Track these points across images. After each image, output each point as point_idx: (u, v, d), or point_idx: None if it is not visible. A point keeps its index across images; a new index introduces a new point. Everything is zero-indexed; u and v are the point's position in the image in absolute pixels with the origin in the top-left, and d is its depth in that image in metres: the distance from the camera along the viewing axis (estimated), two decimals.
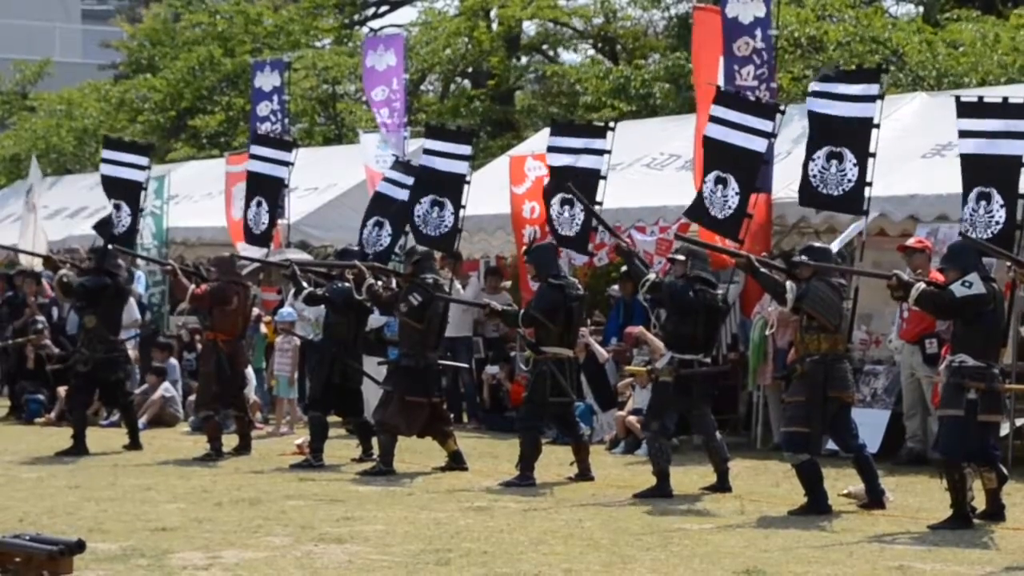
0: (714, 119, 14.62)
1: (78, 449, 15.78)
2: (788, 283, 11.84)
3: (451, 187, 16.63)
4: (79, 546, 6.13)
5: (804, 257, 11.89)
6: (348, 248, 16.44)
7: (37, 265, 20.58)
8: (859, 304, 14.08)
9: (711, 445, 12.92)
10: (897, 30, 23.50)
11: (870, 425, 14.22)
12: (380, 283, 14.85)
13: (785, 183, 16.10)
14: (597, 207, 15.10)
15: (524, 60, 34.43)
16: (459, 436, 15.02)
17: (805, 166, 14.29)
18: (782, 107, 15.24)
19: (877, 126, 14.01)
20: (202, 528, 10.86)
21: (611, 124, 16.21)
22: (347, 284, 15.11)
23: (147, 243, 21.68)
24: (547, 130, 17.55)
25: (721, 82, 15.91)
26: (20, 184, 29.70)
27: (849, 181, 14.05)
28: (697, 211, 14.80)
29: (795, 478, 11.82)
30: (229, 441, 15.84)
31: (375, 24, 37.49)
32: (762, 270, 12.09)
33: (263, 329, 18.95)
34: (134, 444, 16.17)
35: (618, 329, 17.33)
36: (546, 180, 16.34)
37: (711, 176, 14.62)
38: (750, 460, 14.68)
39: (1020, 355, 13.95)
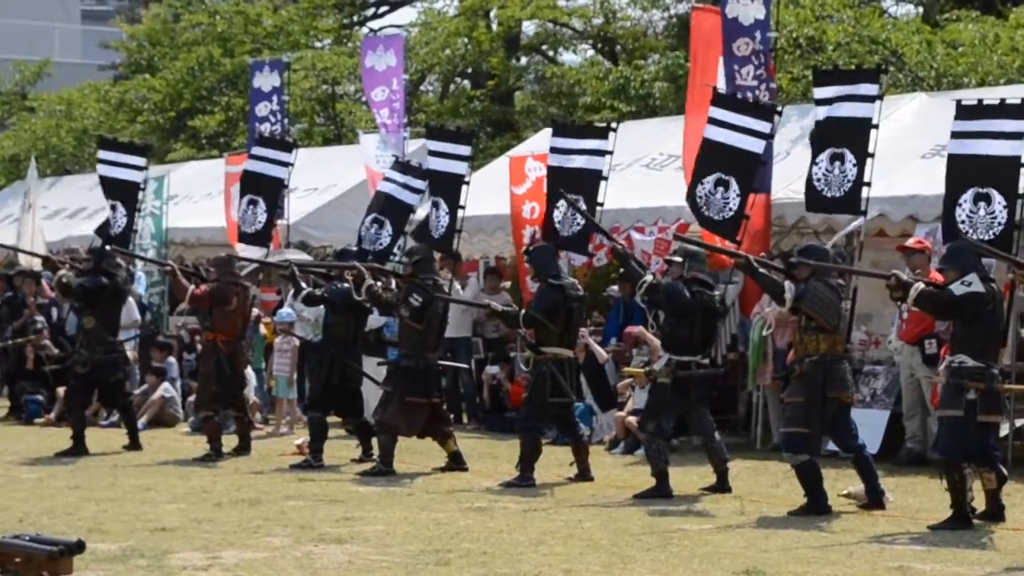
0: (713, 121, 14.62)
1: (78, 449, 15.78)
2: (786, 283, 11.84)
3: (449, 188, 16.63)
4: (79, 546, 6.13)
5: (802, 257, 11.90)
6: (347, 248, 16.44)
7: (36, 265, 20.58)
8: (858, 304, 14.08)
9: (710, 446, 12.93)
10: (896, 30, 23.49)
11: (870, 425, 14.22)
12: (379, 284, 14.86)
13: (784, 183, 16.10)
14: (598, 207, 15.10)
15: (524, 60, 34.44)
16: (459, 436, 15.02)
17: (809, 171, 14.28)
18: (779, 108, 15.24)
19: (876, 126, 14.02)
20: (202, 528, 10.86)
21: (612, 125, 16.22)
22: (346, 285, 15.11)
23: (146, 243, 21.68)
24: (547, 130, 17.57)
25: (721, 83, 15.91)
26: (20, 185, 29.69)
27: (849, 182, 14.06)
28: (693, 212, 14.78)
29: (795, 479, 11.82)
30: (229, 441, 15.84)
31: (375, 24, 37.54)
32: (760, 270, 12.09)
33: (262, 330, 18.95)
34: (134, 444, 16.17)
35: (617, 329, 17.33)
36: (546, 181, 16.33)
37: (711, 178, 14.61)
38: (750, 460, 14.68)
39: (1020, 355, 13.96)
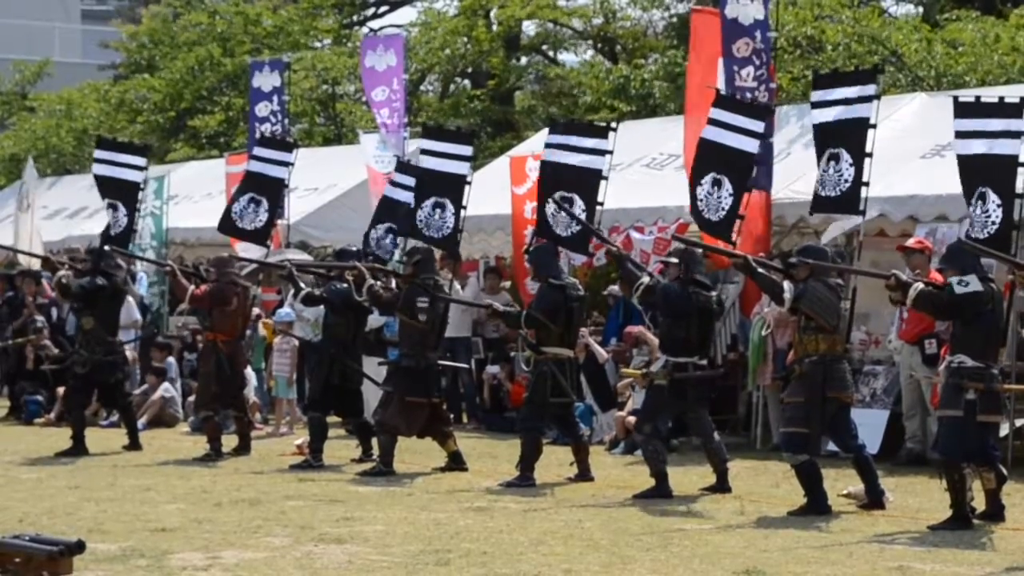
0: (711, 121, 14.61)
1: (78, 449, 15.78)
2: (785, 283, 11.83)
3: (452, 188, 16.61)
4: (79, 546, 6.13)
5: (800, 257, 11.90)
6: (347, 248, 16.42)
7: (36, 265, 20.58)
8: (858, 304, 14.07)
9: (710, 446, 12.93)
10: (895, 30, 23.49)
11: (869, 425, 14.22)
12: (379, 283, 14.86)
13: (784, 183, 16.11)
14: (598, 207, 15.09)
15: (524, 60, 34.44)
16: (459, 436, 15.02)
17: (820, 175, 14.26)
18: (773, 107, 15.22)
19: (873, 126, 14.03)
20: (202, 528, 10.86)
21: (613, 125, 16.20)
22: (345, 285, 15.11)
23: (146, 243, 21.68)
24: (547, 130, 17.52)
25: (721, 84, 15.91)
26: (19, 184, 29.70)
27: (846, 181, 14.06)
28: (694, 215, 14.78)
29: (795, 479, 11.82)
30: (229, 442, 15.84)
31: (374, 24, 37.55)
32: (759, 271, 12.08)
33: (260, 330, 18.94)
34: (134, 445, 16.18)
35: (617, 329, 17.34)
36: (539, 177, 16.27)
37: (707, 178, 14.59)
38: (750, 461, 14.68)
39: (1020, 355, 13.95)
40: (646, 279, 12.99)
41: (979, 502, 11.14)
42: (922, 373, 14.46)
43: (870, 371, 15.58)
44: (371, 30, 35.89)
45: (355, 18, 37.16)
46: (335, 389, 15.09)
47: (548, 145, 15.46)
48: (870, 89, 14.05)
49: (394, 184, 17.59)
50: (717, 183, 14.49)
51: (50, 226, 25.77)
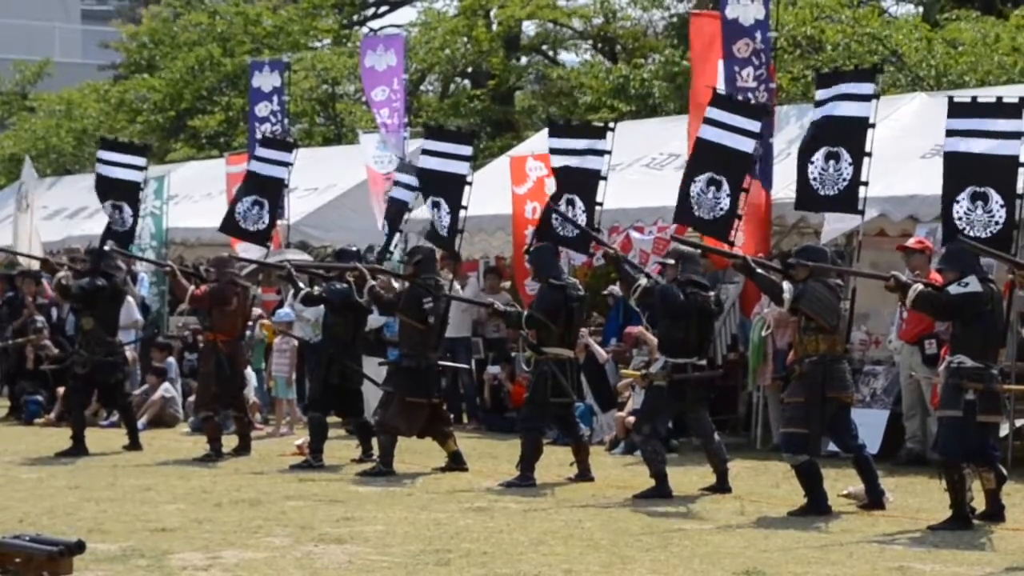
0: (708, 121, 14.60)
1: (78, 450, 15.79)
2: (785, 284, 11.83)
3: (451, 188, 16.59)
4: (79, 547, 6.13)
5: (800, 258, 11.90)
6: (346, 248, 16.41)
7: (35, 265, 20.58)
8: (858, 304, 14.07)
9: (710, 447, 12.93)
10: (895, 29, 23.49)
11: (869, 425, 14.22)
12: (379, 283, 14.86)
13: (785, 183, 16.10)
14: (598, 207, 15.09)
15: (524, 60, 34.43)
16: (459, 436, 15.03)
17: (804, 170, 14.25)
18: (770, 107, 15.21)
19: (873, 125, 14.02)
20: (202, 529, 10.86)
21: (611, 125, 16.19)
22: (345, 285, 15.11)
23: (146, 243, 21.68)
24: (547, 131, 17.51)
25: (721, 85, 15.90)
26: (19, 185, 29.69)
27: (844, 180, 14.05)
28: (682, 213, 14.73)
29: (795, 479, 11.82)
30: (229, 442, 15.84)
31: (374, 24, 37.54)
32: (758, 271, 12.09)
33: (258, 330, 18.93)
34: (134, 445, 16.18)
35: (618, 329, 17.34)
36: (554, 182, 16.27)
37: (703, 177, 14.54)
38: (750, 461, 14.68)
39: (1020, 355, 13.96)
40: (643, 281, 12.98)
41: (979, 502, 11.15)
42: (922, 373, 14.46)
43: (870, 371, 15.58)
44: (371, 30, 35.89)
45: (355, 18, 37.15)
46: (335, 389, 15.09)
47: (553, 150, 15.43)
48: (869, 88, 14.05)
49: (399, 185, 17.59)
50: (715, 183, 14.47)
51: (50, 226, 25.76)
